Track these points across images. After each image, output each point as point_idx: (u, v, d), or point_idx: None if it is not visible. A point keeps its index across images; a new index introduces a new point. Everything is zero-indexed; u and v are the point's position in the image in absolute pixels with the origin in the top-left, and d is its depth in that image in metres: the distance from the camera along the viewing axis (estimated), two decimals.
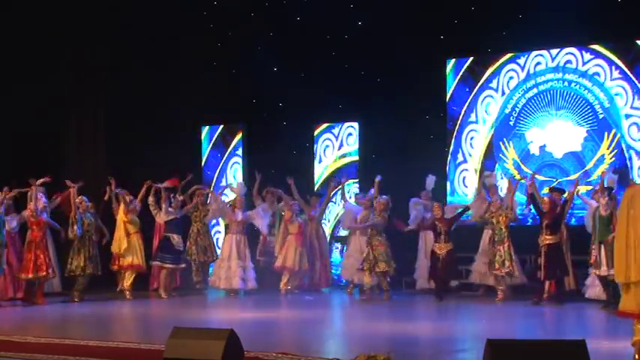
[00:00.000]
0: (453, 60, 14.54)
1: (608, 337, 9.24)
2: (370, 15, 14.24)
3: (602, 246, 10.84)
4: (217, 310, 11.80)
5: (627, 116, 12.95)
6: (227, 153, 16.39)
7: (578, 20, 12.53)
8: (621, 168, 12.84)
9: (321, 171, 15.58)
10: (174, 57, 15.05)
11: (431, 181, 13.26)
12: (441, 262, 12.05)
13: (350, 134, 15.47)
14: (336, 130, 15.60)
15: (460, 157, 14.44)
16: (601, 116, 13.16)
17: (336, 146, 15.53)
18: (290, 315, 10.84)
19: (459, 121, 14.45)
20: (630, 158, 12.89)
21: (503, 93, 14.11)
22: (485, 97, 14.28)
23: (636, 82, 12.82)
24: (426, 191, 13.30)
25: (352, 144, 15.40)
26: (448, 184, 14.28)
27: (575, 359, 6.19)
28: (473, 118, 14.37)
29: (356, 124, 15.32)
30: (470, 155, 14.30)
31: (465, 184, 14.26)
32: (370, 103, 14.57)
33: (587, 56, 13.34)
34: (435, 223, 12.32)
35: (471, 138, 14.38)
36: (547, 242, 11.60)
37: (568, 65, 13.46)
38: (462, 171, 14.40)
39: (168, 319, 10.20)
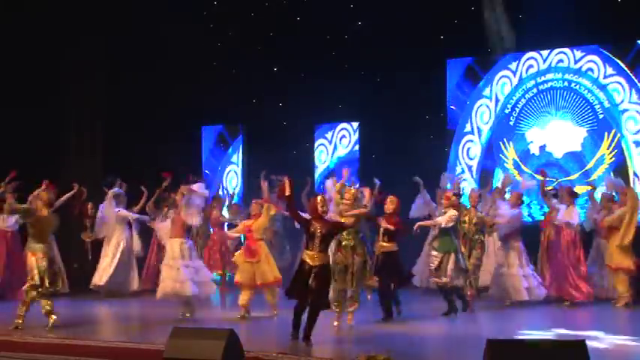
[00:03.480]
0: (453, 60, 14.55)
1: (608, 337, 9.24)
2: (370, 15, 14.25)
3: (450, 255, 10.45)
4: (217, 310, 11.77)
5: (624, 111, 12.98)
6: (227, 153, 16.42)
7: (578, 20, 12.55)
8: (620, 168, 12.88)
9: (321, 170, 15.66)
10: (175, 57, 15.05)
11: (445, 178, 12.87)
12: None
13: (344, 136, 15.51)
14: (356, 124, 15.60)
15: (461, 152, 14.49)
16: (601, 116, 13.17)
17: (330, 150, 15.59)
18: (290, 315, 10.81)
19: (458, 122, 14.49)
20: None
21: (503, 93, 14.14)
22: (485, 96, 14.31)
23: (635, 80, 12.84)
24: (441, 190, 12.99)
25: (346, 146, 15.43)
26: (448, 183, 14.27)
27: (575, 359, 6.19)
28: (473, 116, 14.39)
29: (348, 126, 15.38)
30: (470, 157, 14.34)
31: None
32: (370, 103, 14.58)
33: (579, 54, 13.42)
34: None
35: (480, 119, 14.39)
36: (383, 250, 10.25)
37: (560, 64, 13.51)
38: (467, 146, 14.47)
39: (169, 319, 10.20)
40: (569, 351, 6.28)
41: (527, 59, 13.94)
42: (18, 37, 14.28)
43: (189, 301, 10.57)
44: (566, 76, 13.52)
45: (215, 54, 15.59)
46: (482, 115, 14.32)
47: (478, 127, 14.32)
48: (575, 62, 13.47)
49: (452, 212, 10.40)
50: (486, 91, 14.31)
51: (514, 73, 14.05)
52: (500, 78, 14.20)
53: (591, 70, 13.30)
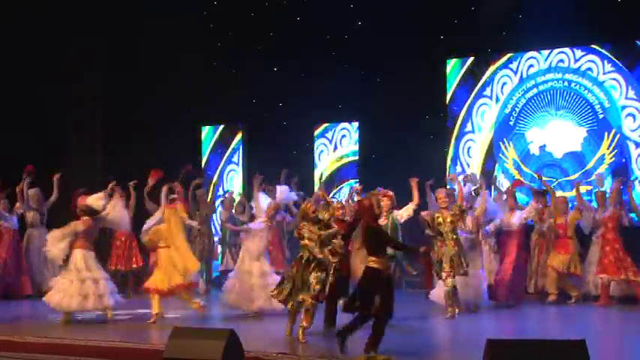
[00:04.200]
0: (453, 60, 14.56)
1: (608, 337, 9.25)
2: (370, 15, 14.25)
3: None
4: (217, 310, 11.77)
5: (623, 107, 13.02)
6: (227, 153, 16.43)
7: (578, 20, 12.56)
8: (620, 167, 12.89)
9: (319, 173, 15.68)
10: (174, 57, 15.05)
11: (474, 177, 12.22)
12: None
13: (344, 136, 15.54)
14: (329, 134, 15.67)
15: (461, 153, 14.50)
16: (601, 116, 13.17)
17: (331, 149, 15.62)
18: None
19: (459, 121, 14.49)
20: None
21: (503, 93, 14.15)
22: (485, 97, 14.32)
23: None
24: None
25: (347, 145, 15.47)
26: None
27: (575, 359, 6.19)
28: (473, 117, 14.40)
29: (349, 125, 15.43)
30: (470, 157, 14.34)
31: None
32: (370, 103, 14.58)
33: (579, 53, 13.45)
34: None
35: (471, 139, 14.41)
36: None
37: (560, 64, 13.54)
38: (467, 145, 14.48)
39: (169, 319, 10.20)
40: (569, 351, 6.27)
41: (529, 58, 13.97)
42: (17, 36, 14.29)
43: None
44: (566, 76, 13.53)
45: (215, 54, 15.59)
46: (470, 150, 14.38)
47: (466, 164, 14.33)
48: (575, 61, 13.49)
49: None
50: (468, 127, 14.40)
51: (514, 75, 14.08)
52: (481, 106, 14.27)
53: (590, 69, 13.32)
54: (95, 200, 10.51)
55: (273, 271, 10.81)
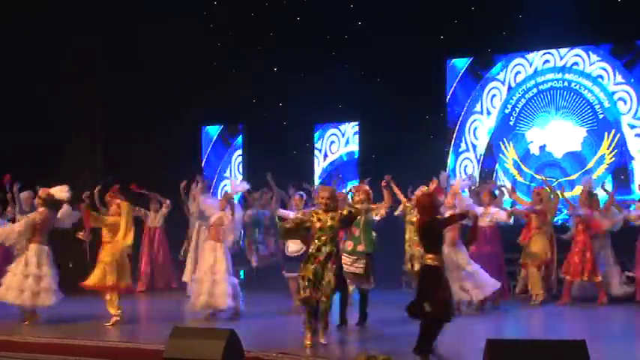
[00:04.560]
0: (453, 60, 14.56)
1: (608, 337, 9.25)
2: (370, 15, 14.26)
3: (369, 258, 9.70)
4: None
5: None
6: (227, 153, 16.43)
7: (578, 20, 12.56)
8: (621, 168, 12.91)
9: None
10: (174, 57, 15.05)
11: (443, 178, 12.19)
12: None
13: (333, 142, 15.55)
14: (319, 144, 15.68)
15: (461, 151, 14.49)
16: (601, 116, 13.18)
17: (321, 158, 15.64)
18: (291, 315, 10.81)
19: (459, 121, 14.49)
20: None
21: (495, 106, 14.17)
22: (476, 112, 14.33)
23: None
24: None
25: (336, 151, 15.48)
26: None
27: (575, 359, 6.19)
28: (466, 134, 14.42)
29: (337, 130, 15.42)
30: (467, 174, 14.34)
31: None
32: (370, 103, 14.58)
33: (563, 50, 13.53)
34: None
35: (467, 157, 14.42)
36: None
37: (575, 67, 13.54)
38: (463, 164, 14.46)
39: (169, 319, 10.20)
40: (569, 351, 6.28)
41: (516, 65, 14.01)
42: (17, 36, 14.28)
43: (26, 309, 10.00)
44: (566, 76, 13.53)
45: (215, 54, 15.59)
46: (466, 168, 14.38)
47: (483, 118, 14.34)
48: (561, 58, 13.53)
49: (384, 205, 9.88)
50: (462, 146, 14.45)
51: (503, 82, 14.10)
52: (474, 122, 14.36)
53: (576, 63, 13.36)
54: (58, 191, 10.14)
55: (232, 270, 10.42)
